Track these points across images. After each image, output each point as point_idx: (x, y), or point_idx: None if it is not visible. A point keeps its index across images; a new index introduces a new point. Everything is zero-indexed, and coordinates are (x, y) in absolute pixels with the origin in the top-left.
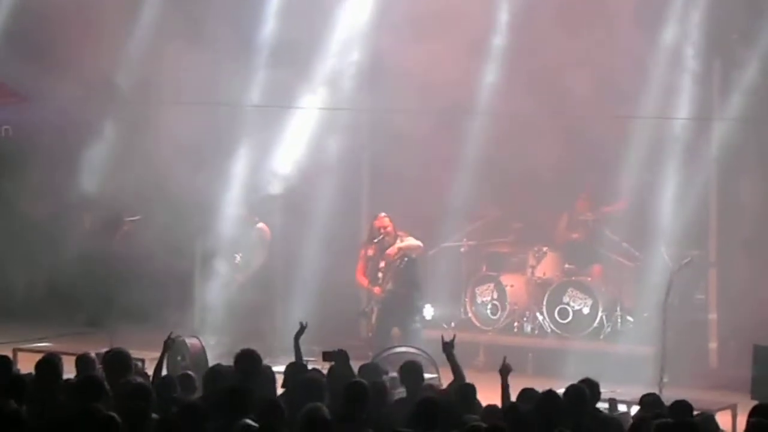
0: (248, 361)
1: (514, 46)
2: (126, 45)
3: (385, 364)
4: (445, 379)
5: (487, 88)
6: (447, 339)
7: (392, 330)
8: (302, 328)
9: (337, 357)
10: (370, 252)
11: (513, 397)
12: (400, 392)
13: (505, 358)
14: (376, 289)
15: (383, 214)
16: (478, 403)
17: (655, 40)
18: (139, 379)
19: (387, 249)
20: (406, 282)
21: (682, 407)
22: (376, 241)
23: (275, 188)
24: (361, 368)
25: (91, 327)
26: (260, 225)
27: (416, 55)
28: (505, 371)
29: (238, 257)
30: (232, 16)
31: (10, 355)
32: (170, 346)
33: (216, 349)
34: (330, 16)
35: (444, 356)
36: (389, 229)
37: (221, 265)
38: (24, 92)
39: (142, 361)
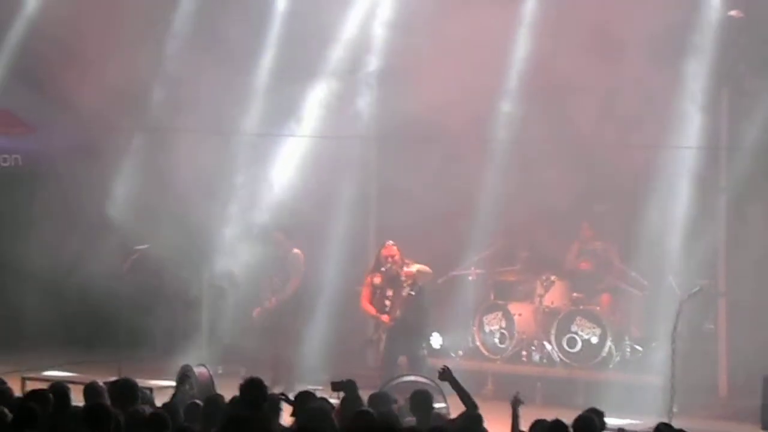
0: (254, 391)
1: (525, 76)
2: (137, 72)
3: (394, 393)
4: (454, 407)
5: (499, 118)
6: (440, 368)
7: (399, 358)
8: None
9: (346, 387)
10: (377, 280)
11: (524, 428)
12: (409, 421)
13: (517, 392)
14: (385, 317)
15: (391, 242)
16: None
17: (666, 69)
18: (153, 409)
19: (393, 277)
20: (415, 309)
21: None
22: (383, 270)
23: (280, 215)
24: (371, 397)
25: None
26: (296, 251)
27: (429, 83)
28: (516, 403)
29: (274, 279)
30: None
31: (18, 383)
32: (185, 379)
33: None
34: (339, 38)
35: (447, 386)
36: (396, 258)
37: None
38: (32, 122)
39: (150, 390)
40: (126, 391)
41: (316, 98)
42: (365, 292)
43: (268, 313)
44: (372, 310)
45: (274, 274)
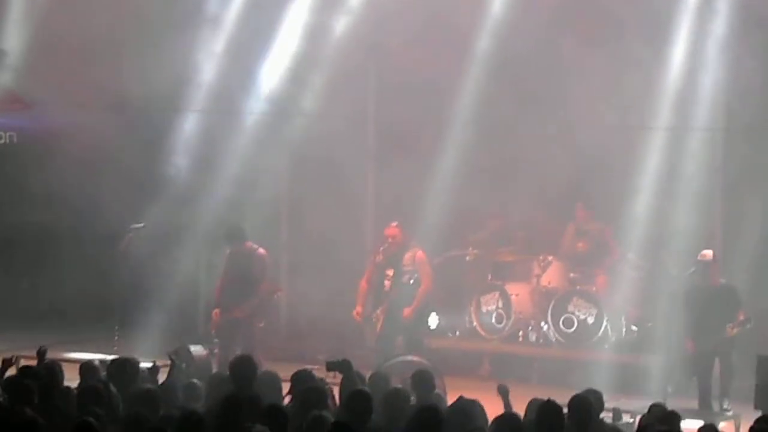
0: (243, 368)
1: (520, 56)
2: (136, 55)
3: (390, 373)
4: (449, 387)
5: (492, 98)
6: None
7: (397, 339)
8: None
9: (341, 366)
10: (379, 258)
11: (521, 409)
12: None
13: (500, 386)
14: (406, 312)
15: (395, 223)
16: (481, 411)
17: (663, 51)
18: (148, 385)
19: (393, 256)
20: (413, 295)
21: (672, 417)
22: (382, 249)
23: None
24: (371, 377)
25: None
26: (261, 251)
27: (421, 64)
28: (504, 391)
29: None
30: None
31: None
32: (176, 359)
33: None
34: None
35: (447, 366)
36: (398, 238)
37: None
38: (29, 99)
39: (156, 368)
40: (124, 369)
41: None
42: (368, 271)
43: (234, 322)
44: (364, 287)
45: (237, 275)
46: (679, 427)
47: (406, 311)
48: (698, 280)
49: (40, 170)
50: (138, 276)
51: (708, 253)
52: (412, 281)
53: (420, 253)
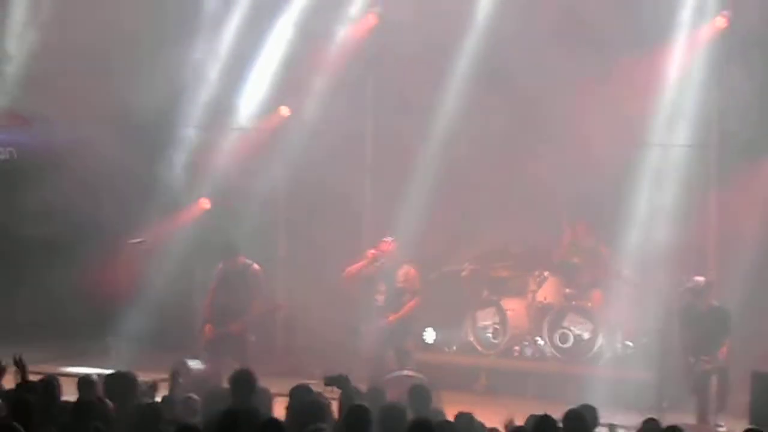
0: (243, 381)
1: (515, 69)
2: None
3: (386, 388)
4: (445, 402)
5: (488, 110)
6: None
7: (388, 353)
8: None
9: (339, 381)
10: (372, 269)
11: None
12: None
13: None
14: (390, 318)
15: (390, 238)
16: (478, 426)
17: (657, 67)
18: (148, 400)
19: (387, 274)
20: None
21: None
22: (376, 264)
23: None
24: (367, 392)
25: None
26: (256, 266)
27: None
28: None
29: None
30: None
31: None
32: (176, 375)
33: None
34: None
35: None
36: (392, 254)
37: None
38: (28, 115)
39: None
40: (122, 383)
41: None
42: (358, 264)
43: (226, 336)
44: (351, 273)
45: (231, 291)
46: None
47: (391, 317)
48: (692, 301)
49: (40, 186)
50: (137, 289)
51: (700, 279)
52: (405, 299)
53: (413, 271)
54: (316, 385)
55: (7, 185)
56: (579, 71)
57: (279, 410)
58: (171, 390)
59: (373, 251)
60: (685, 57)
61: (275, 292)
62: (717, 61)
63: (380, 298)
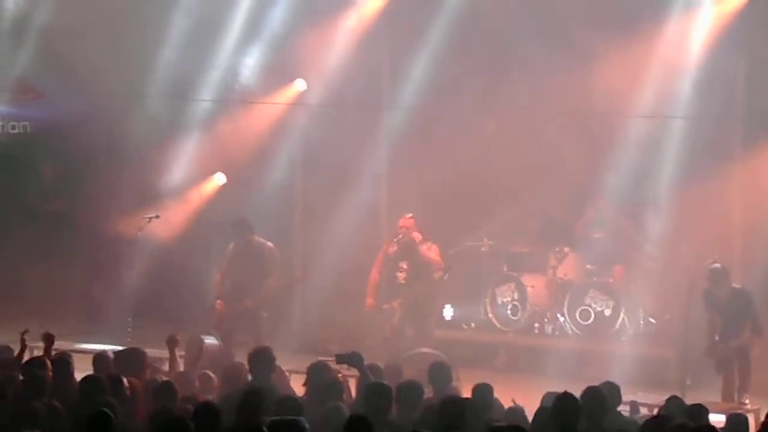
0: (262, 359)
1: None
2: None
3: (404, 365)
4: (464, 380)
5: (506, 87)
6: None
7: (407, 330)
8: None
9: (352, 359)
10: (392, 249)
11: (537, 401)
12: (426, 392)
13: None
14: (368, 302)
15: (410, 215)
16: (497, 402)
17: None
18: (164, 378)
19: (407, 248)
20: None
21: (699, 411)
22: (396, 240)
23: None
24: (385, 369)
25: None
26: (270, 245)
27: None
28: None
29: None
30: None
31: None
32: (173, 344)
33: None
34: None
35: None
36: (411, 231)
37: None
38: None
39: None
40: (132, 360)
41: None
42: (378, 259)
43: (239, 313)
44: (376, 277)
45: (245, 268)
46: (707, 420)
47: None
48: (712, 288)
49: (53, 160)
50: (152, 266)
51: (716, 266)
52: (446, 277)
53: (435, 247)
54: (332, 362)
55: (21, 159)
56: (602, 42)
57: (295, 386)
58: (174, 366)
59: (392, 248)
60: (711, 27)
61: (292, 270)
62: (742, 31)
63: (401, 276)
